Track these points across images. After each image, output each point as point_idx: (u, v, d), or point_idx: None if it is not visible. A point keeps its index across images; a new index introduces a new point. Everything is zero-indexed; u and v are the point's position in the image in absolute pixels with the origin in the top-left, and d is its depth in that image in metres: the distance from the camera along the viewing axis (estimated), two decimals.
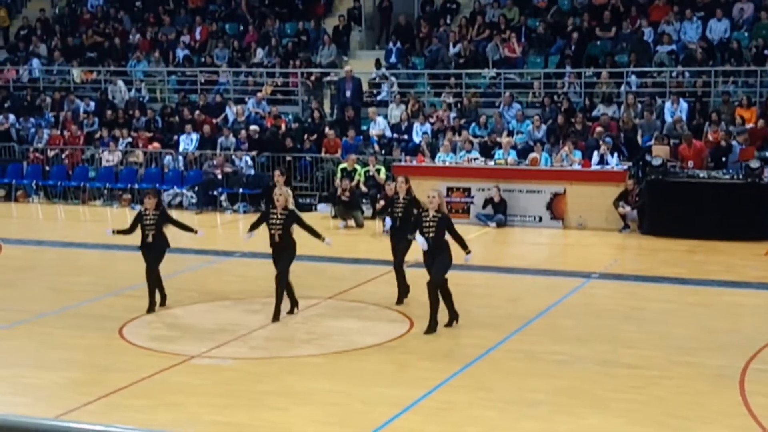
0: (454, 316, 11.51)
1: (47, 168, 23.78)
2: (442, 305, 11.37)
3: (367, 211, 19.77)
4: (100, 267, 15.67)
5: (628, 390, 9.34)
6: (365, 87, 24.32)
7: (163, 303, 12.62)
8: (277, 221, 11.72)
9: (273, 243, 11.81)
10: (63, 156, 23.96)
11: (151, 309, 12.38)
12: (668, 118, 20.77)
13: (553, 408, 8.86)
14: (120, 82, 25.98)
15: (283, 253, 11.75)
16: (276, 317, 11.81)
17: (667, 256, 16.23)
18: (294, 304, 12.22)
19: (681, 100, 21.03)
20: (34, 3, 31.35)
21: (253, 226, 12.24)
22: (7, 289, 13.88)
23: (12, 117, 25.40)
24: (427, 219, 11.29)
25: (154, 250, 12.41)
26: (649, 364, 10.10)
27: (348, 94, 23.40)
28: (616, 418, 8.63)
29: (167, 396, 9.27)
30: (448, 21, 25.78)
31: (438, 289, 11.24)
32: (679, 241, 17.10)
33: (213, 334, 11.09)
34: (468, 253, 11.46)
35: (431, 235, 11.18)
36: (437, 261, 11.18)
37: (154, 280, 12.44)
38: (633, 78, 22.28)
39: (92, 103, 25.54)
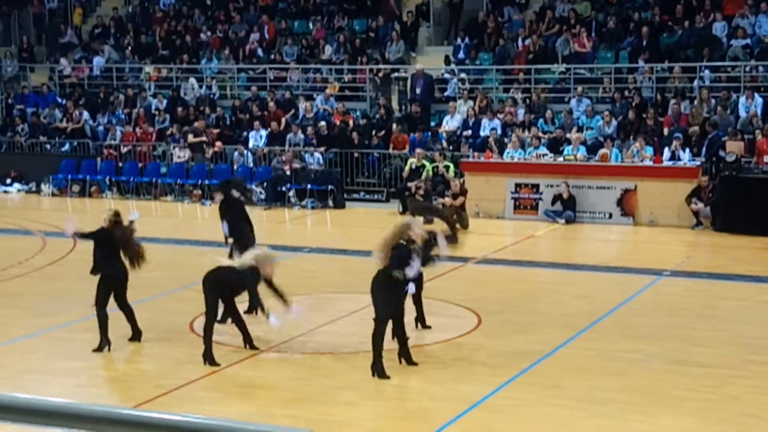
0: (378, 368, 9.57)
1: (120, 164, 24.23)
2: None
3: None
4: (171, 261, 15.89)
5: (701, 389, 9.19)
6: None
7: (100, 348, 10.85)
8: None
9: None
10: (135, 152, 24.39)
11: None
12: (743, 114, 20.37)
13: (624, 407, 8.76)
14: (192, 80, 26.32)
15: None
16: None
17: (741, 253, 15.91)
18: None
19: (756, 95, 20.60)
20: (108, 2, 31.91)
21: None
22: (84, 282, 14.13)
23: (86, 114, 25.94)
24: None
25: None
26: (723, 363, 9.93)
27: (418, 90, 23.38)
28: (689, 417, 8.50)
29: (237, 389, 9.38)
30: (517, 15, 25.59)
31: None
32: (753, 239, 16.75)
33: (282, 328, 11.17)
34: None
35: None
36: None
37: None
38: (706, 73, 21.88)
39: (164, 101, 25.95)
